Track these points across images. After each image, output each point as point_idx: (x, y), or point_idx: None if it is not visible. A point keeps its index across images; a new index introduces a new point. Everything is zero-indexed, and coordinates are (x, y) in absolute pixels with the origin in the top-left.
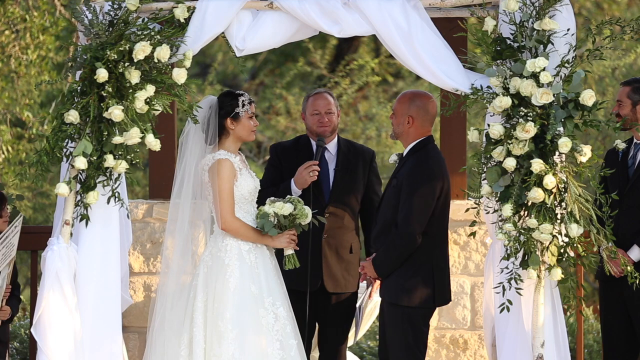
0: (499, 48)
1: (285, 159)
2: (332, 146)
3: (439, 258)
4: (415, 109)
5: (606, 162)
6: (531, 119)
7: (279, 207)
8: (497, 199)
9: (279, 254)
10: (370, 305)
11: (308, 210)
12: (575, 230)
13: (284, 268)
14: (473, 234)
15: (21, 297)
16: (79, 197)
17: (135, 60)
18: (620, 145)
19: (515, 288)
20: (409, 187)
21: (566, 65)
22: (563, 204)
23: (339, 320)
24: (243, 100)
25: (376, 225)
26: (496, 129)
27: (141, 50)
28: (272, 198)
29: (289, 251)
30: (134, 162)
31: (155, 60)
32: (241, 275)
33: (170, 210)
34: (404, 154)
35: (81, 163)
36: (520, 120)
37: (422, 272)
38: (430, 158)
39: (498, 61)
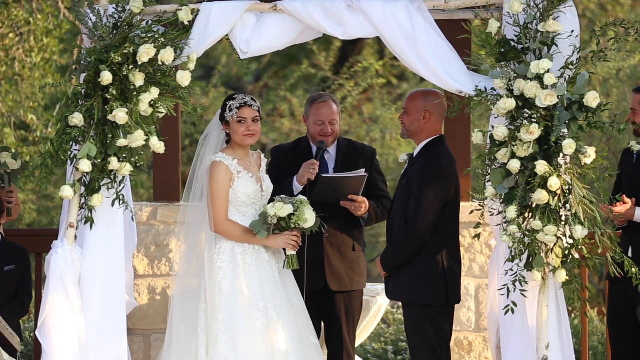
0: (503, 50)
1: (285, 161)
2: (332, 147)
3: (450, 256)
4: (431, 104)
5: (621, 163)
6: (535, 120)
7: (278, 208)
8: (501, 200)
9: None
10: (375, 306)
11: (310, 215)
12: (580, 232)
13: (283, 268)
14: (477, 236)
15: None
16: (83, 200)
17: (140, 63)
18: (635, 147)
19: (520, 290)
20: (419, 185)
21: (570, 67)
22: (567, 205)
23: (345, 319)
24: (230, 105)
25: (390, 226)
26: (500, 131)
27: (145, 52)
28: (283, 196)
29: (289, 252)
30: (138, 165)
31: (160, 63)
32: (234, 277)
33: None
34: (415, 153)
35: (85, 166)
36: (525, 122)
37: (434, 270)
38: (441, 156)
39: (502, 63)
